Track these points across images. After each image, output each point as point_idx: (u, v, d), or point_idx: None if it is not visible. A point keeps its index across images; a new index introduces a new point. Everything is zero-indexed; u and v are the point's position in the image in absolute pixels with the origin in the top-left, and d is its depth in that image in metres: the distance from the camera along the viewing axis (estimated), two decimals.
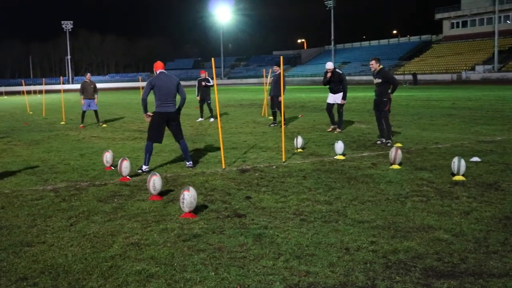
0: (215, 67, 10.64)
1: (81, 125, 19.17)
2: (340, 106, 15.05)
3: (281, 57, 12.48)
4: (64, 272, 4.67)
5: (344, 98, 14.96)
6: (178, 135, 9.71)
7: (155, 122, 9.52)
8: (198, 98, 20.81)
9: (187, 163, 9.80)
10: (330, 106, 15.35)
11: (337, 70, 15.25)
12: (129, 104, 35.96)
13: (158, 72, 9.65)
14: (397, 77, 12.40)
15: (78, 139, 15.08)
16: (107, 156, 9.85)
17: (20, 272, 4.70)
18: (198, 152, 11.86)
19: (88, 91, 19.36)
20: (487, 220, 6.00)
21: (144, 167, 9.41)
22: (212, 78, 21.55)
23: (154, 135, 9.49)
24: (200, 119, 20.57)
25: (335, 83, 15.08)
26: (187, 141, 13.76)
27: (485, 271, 4.52)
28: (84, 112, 19.57)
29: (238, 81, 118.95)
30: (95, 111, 19.75)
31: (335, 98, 15.17)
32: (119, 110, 28.92)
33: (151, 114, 9.57)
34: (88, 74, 20.53)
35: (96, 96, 19.61)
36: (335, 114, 15.45)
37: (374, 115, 12.83)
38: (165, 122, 9.56)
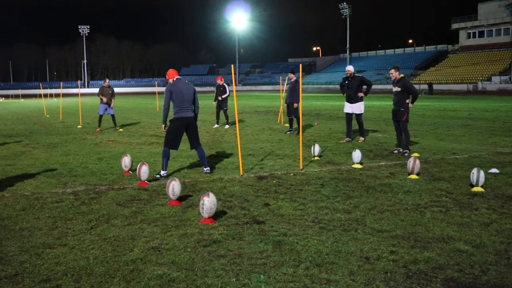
0: (230, 73, 10.70)
1: (98, 129, 19.32)
2: (359, 116, 14.70)
3: (300, 64, 12.51)
4: (86, 275, 4.72)
5: (365, 93, 14.60)
6: (195, 142, 9.74)
7: (173, 128, 9.57)
8: (215, 103, 20.91)
9: (205, 169, 9.84)
10: (349, 117, 14.82)
11: (357, 74, 14.85)
12: (145, 109, 36.18)
13: (175, 79, 9.68)
14: None
15: (96, 143, 15.20)
16: (126, 161, 9.92)
17: (43, 274, 4.75)
18: (215, 158, 11.91)
19: (106, 96, 19.53)
20: (507, 232, 5.97)
21: (162, 172, 9.47)
22: (229, 85, 21.61)
23: (172, 141, 9.53)
24: (216, 125, 20.63)
25: (353, 89, 14.56)
26: (204, 147, 13.84)
27: (507, 284, 4.49)
28: (101, 116, 19.71)
29: (253, 87, 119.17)
30: (112, 116, 19.90)
31: (352, 108, 14.70)
32: (135, 115, 29.10)
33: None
34: (107, 80, 20.63)
35: (113, 100, 19.76)
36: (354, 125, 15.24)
37: (393, 124, 12.79)
38: (184, 128, 9.60)
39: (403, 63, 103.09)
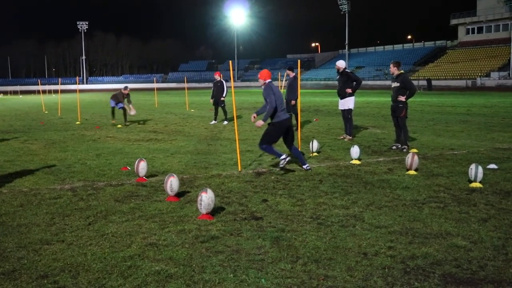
0: (228, 69, 10.69)
1: (113, 120, 19.69)
2: (346, 111, 14.32)
3: (299, 60, 12.48)
4: (84, 271, 4.71)
5: (353, 90, 14.09)
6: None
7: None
8: (211, 101, 20.83)
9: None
10: (343, 113, 14.53)
11: (347, 70, 14.40)
12: (143, 105, 36.12)
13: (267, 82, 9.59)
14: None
15: (94, 139, 15.18)
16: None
17: (40, 270, 4.75)
18: (214, 154, 11.89)
19: (120, 100, 19.67)
20: (505, 227, 5.97)
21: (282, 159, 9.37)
22: (227, 81, 21.55)
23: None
24: (213, 121, 20.57)
25: (342, 83, 14.26)
26: (202, 143, 13.85)
27: (505, 279, 4.49)
28: (113, 108, 19.83)
29: (252, 83, 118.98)
30: (124, 110, 19.91)
31: (342, 104, 14.39)
32: None
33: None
34: (128, 89, 20.25)
35: (131, 106, 19.78)
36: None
37: (392, 120, 12.75)
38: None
39: (402, 59, 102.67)
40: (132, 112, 19.65)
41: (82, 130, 18.25)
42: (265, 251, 5.20)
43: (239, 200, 7.41)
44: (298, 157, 9.77)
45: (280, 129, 9.50)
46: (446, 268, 4.74)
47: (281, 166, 9.30)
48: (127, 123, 19.93)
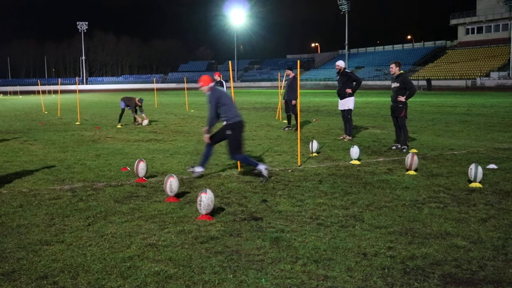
0: (228, 70, 10.61)
1: (119, 125, 19.67)
2: (346, 112, 14.27)
3: (298, 61, 12.45)
4: (83, 272, 4.71)
5: (353, 90, 14.09)
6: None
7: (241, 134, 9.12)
8: None
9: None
10: (343, 113, 14.48)
11: (347, 70, 14.36)
12: (143, 105, 36.07)
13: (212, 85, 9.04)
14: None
15: (94, 140, 15.18)
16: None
17: (40, 271, 4.74)
18: (213, 154, 11.85)
19: (130, 105, 19.85)
20: (505, 227, 5.96)
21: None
22: (226, 81, 21.56)
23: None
24: None
25: (342, 84, 14.23)
26: (202, 144, 13.84)
27: (504, 279, 4.49)
28: (123, 110, 19.94)
29: (252, 84, 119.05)
30: (135, 111, 20.15)
31: (342, 105, 14.34)
32: None
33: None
34: (142, 102, 20.17)
35: (143, 115, 20.33)
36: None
37: (392, 120, 12.74)
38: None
39: (401, 59, 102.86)
40: (145, 122, 20.22)
41: (82, 130, 18.25)
42: (265, 252, 5.19)
43: (239, 200, 7.41)
44: (204, 157, 9.24)
45: (240, 130, 9.01)
46: (445, 268, 4.74)
47: (264, 176, 8.72)
48: (136, 123, 20.23)
